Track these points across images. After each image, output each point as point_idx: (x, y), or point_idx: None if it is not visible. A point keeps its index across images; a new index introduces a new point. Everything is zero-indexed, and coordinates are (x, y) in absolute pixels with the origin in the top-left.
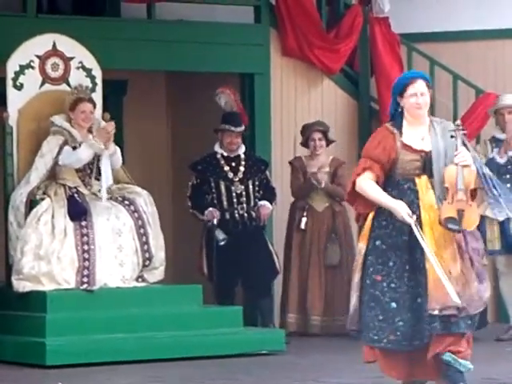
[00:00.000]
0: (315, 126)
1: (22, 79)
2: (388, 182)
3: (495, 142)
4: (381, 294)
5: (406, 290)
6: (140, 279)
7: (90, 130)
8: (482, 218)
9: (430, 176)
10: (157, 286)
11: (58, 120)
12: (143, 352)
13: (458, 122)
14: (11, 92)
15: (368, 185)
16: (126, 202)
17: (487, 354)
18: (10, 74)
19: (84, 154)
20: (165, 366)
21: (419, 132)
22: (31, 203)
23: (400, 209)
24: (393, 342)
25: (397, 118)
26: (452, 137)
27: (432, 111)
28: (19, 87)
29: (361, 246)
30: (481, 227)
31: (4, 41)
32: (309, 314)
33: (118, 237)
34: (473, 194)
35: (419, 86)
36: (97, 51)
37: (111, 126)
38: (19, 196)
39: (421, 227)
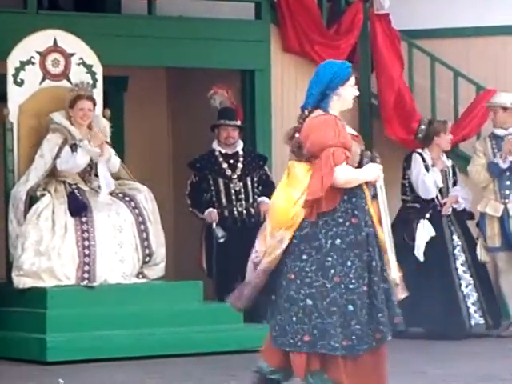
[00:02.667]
0: None
1: (22, 75)
2: None
3: (494, 138)
4: (339, 296)
5: (366, 290)
6: (140, 275)
7: (89, 127)
8: (482, 214)
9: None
10: (157, 283)
11: (57, 117)
12: (143, 348)
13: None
14: (12, 88)
15: (347, 173)
16: (127, 199)
17: (488, 351)
18: (11, 70)
19: (81, 160)
20: (165, 362)
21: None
22: (31, 200)
23: (373, 169)
24: (346, 347)
25: (325, 105)
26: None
27: (433, 108)
28: (20, 83)
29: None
30: (481, 224)
31: (5, 37)
32: None
33: (119, 233)
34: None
35: (354, 78)
36: (97, 47)
37: (105, 131)
38: (18, 194)
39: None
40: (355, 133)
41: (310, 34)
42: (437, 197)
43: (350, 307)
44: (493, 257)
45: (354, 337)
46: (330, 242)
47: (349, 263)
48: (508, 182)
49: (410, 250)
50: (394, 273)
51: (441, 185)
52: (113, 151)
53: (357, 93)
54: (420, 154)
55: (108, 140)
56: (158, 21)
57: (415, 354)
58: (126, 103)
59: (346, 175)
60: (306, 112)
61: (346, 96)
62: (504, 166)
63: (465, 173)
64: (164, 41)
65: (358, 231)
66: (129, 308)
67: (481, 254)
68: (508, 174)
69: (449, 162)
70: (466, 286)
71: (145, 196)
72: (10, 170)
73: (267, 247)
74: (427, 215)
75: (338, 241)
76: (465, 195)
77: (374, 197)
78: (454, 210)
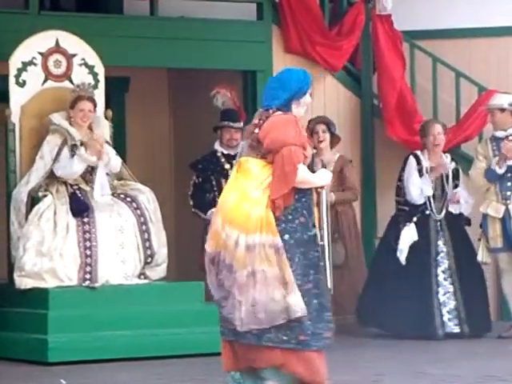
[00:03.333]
0: (319, 118)
1: (24, 76)
2: None
3: (495, 140)
4: None
5: (312, 287)
6: (142, 276)
7: (90, 128)
8: (485, 216)
9: None
10: (159, 283)
11: (57, 118)
12: (145, 349)
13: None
14: (14, 89)
15: (306, 173)
16: (128, 199)
17: (489, 352)
18: (13, 71)
19: (77, 168)
20: (167, 363)
21: None
22: (33, 200)
23: (326, 175)
24: (302, 342)
25: (287, 110)
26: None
27: (434, 109)
28: (22, 84)
29: (273, 239)
30: (483, 225)
31: (7, 38)
32: None
33: (121, 234)
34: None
35: None
36: (99, 48)
37: (101, 139)
38: (20, 196)
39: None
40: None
41: (311, 34)
42: (429, 201)
43: None
44: (495, 257)
45: (309, 332)
46: (278, 234)
47: (296, 259)
48: (509, 184)
49: (394, 252)
50: (330, 282)
51: (429, 193)
52: (113, 151)
53: (310, 100)
54: (416, 156)
55: (109, 140)
56: (160, 21)
57: (415, 354)
58: (128, 104)
59: (302, 175)
60: (271, 111)
61: (304, 104)
62: (500, 171)
63: (467, 174)
64: (166, 41)
65: (306, 230)
66: (130, 309)
67: (482, 255)
68: (509, 175)
69: (452, 165)
70: (444, 294)
71: (146, 197)
72: (12, 170)
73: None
74: (414, 219)
75: (286, 236)
76: (467, 198)
77: (316, 203)
78: (449, 213)
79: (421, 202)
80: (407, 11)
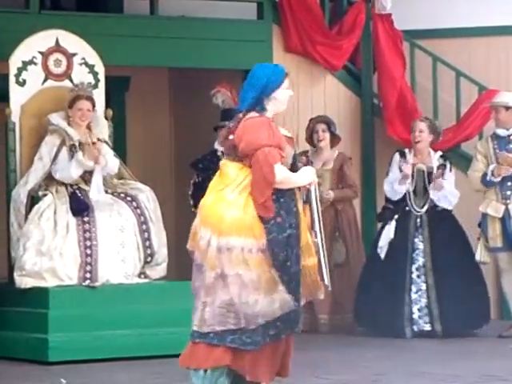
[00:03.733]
0: (319, 118)
1: (24, 75)
2: None
3: (496, 138)
4: None
5: None
6: (142, 275)
7: (88, 128)
8: (484, 215)
9: None
10: (159, 283)
11: (55, 118)
12: (145, 348)
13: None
14: (14, 88)
15: (285, 173)
16: (128, 199)
17: (489, 351)
18: (13, 70)
19: (75, 172)
20: (167, 362)
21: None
22: (33, 200)
23: (308, 173)
24: (255, 342)
25: (261, 109)
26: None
27: (435, 108)
28: (22, 83)
29: (259, 242)
30: (482, 224)
31: (7, 37)
32: (317, 313)
33: (121, 233)
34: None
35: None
36: (100, 47)
37: (100, 145)
38: (19, 197)
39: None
40: (289, 135)
41: (311, 34)
42: (409, 197)
43: None
44: (494, 257)
45: (262, 331)
46: (263, 236)
47: None
48: (509, 183)
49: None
50: (327, 277)
51: (400, 190)
52: (111, 153)
53: (291, 93)
54: (403, 153)
55: (107, 139)
56: (161, 21)
57: (415, 354)
58: (128, 103)
59: (281, 175)
60: (241, 115)
61: (280, 99)
62: (496, 180)
63: (465, 173)
64: (166, 41)
65: (281, 231)
66: (131, 308)
67: (481, 255)
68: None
69: (437, 163)
70: (416, 292)
71: (146, 196)
72: (12, 170)
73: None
74: (396, 216)
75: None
76: (447, 192)
77: (306, 201)
78: (433, 210)
79: (394, 198)
80: (408, 10)
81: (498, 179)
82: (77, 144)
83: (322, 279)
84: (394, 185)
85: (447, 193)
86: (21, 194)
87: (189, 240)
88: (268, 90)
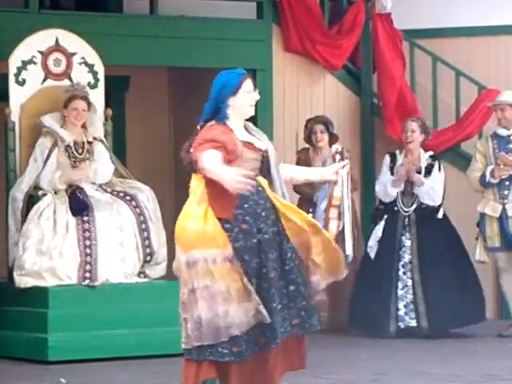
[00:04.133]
0: (317, 118)
1: (24, 75)
2: None
3: (496, 138)
4: None
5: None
6: (142, 275)
7: (84, 126)
8: (482, 215)
9: (266, 177)
10: (159, 282)
11: (47, 120)
12: (145, 348)
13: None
14: (13, 87)
15: (212, 158)
16: (128, 198)
17: (488, 351)
18: (13, 70)
19: (60, 186)
20: (166, 361)
21: (244, 131)
22: (32, 199)
23: (232, 177)
24: (236, 353)
25: (222, 117)
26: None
27: (434, 108)
28: (21, 83)
29: (223, 252)
30: (480, 224)
31: (6, 36)
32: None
33: (120, 232)
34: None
35: (251, 82)
36: (99, 47)
37: (96, 145)
38: (15, 202)
39: (282, 225)
40: (252, 141)
41: (311, 33)
42: (398, 197)
43: None
44: (493, 257)
45: (243, 342)
46: (228, 244)
47: None
48: (507, 183)
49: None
50: (349, 248)
51: (392, 193)
52: (106, 156)
53: (257, 97)
54: (393, 155)
55: (102, 137)
56: (160, 20)
57: (414, 354)
58: (128, 103)
59: (205, 161)
60: (198, 127)
61: (240, 105)
62: (494, 181)
63: (465, 172)
64: (166, 40)
65: (249, 237)
66: (130, 307)
67: (480, 254)
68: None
69: (425, 162)
70: (402, 288)
71: (146, 195)
72: (12, 169)
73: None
74: (385, 216)
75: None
76: (428, 192)
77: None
78: (421, 209)
79: (386, 200)
80: (407, 10)
81: (497, 180)
82: (72, 144)
83: (344, 251)
84: (387, 187)
85: (429, 188)
86: (17, 197)
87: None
88: (224, 97)
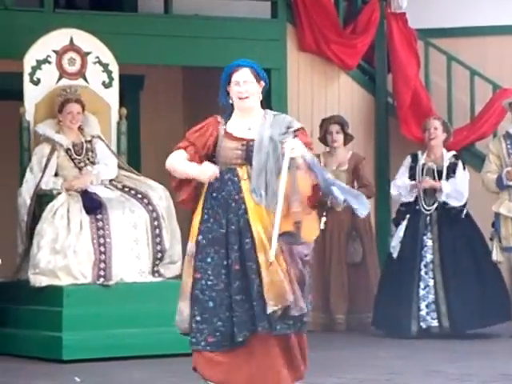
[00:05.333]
0: (333, 118)
1: (39, 74)
2: None
3: (509, 138)
4: (200, 292)
5: (224, 287)
6: (156, 274)
7: (80, 128)
8: (497, 215)
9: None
10: (173, 281)
11: (41, 128)
12: (159, 347)
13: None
14: (28, 87)
15: (176, 159)
16: (139, 196)
17: (505, 351)
18: (28, 69)
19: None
20: (180, 361)
21: (247, 122)
22: (46, 197)
23: (205, 171)
24: (212, 343)
25: (228, 108)
26: (286, 133)
27: (449, 107)
28: (36, 82)
29: (190, 246)
30: (496, 224)
31: (21, 36)
32: (333, 313)
33: (134, 230)
34: (312, 201)
35: (242, 74)
36: (114, 46)
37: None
38: (20, 214)
39: (247, 219)
40: (233, 132)
41: (326, 33)
42: (419, 196)
43: (211, 304)
44: (508, 257)
45: (217, 333)
46: (194, 239)
47: (208, 259)
48: None
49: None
50: (271, 253)
51: (405, 199)
52: (107, 153)
53: (239, 89)
54: (415, 156)
55: (100, 134)
56: (175, 19)
57: (430, 353)
58: (142, 102)
59: (171, 160)
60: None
61: (232, 95)
62: (510, 183)
63: (479, 172)
64: (180, 39)
65: (219, 227)
66: (144, 307)
67: (496, 254)
68: None
69: (447, 162)
70: (424, 288)
71: (159, 194)
72: (26, 168)
73: None
74: (407, 216)
75: (200, 237)
76: (453, 193)
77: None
78: (443, 208)
79: (399, 201)
80: (422, 9)
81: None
82: (71, 147)
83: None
84: (402, 192)
85: (453, 189)
86: (21, 210)
87: None
88: (222, 86)
